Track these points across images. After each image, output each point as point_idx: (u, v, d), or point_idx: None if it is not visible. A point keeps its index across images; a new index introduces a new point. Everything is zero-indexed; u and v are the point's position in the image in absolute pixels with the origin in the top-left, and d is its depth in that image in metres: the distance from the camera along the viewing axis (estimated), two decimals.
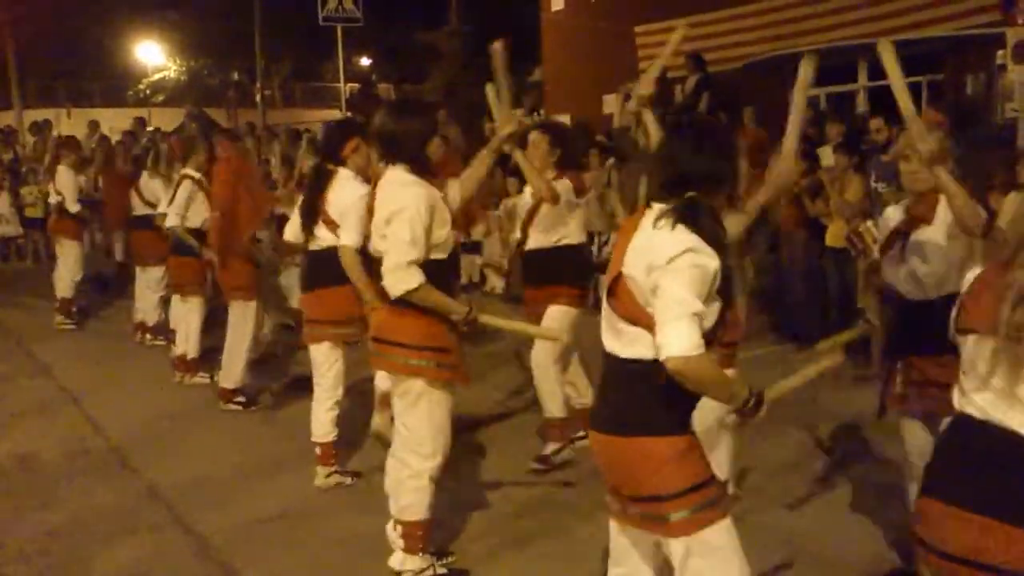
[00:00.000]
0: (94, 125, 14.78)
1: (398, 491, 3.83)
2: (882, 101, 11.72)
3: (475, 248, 10.54)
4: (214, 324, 7.32)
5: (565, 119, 16.03)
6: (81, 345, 8.85)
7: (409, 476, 3.77)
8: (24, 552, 4.37)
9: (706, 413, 4.52)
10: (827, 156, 8.19)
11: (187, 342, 7.23)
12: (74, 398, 6.98)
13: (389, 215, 3.63)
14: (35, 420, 6.51)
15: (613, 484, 2.71)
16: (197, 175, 6.94)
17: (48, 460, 5.67)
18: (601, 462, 2.75)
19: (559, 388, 5.16)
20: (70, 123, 26.80)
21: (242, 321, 6.50)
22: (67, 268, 9.48)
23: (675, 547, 2.59)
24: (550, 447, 5.20)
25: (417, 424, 3.75)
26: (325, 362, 5.02)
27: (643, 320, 2.55)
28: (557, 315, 5.11)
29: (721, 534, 2.57)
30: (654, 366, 2.49)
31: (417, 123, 3.83)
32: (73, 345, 8.84)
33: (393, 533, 3.86)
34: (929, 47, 12.06)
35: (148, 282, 8.52)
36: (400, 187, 3.68)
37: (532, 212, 5.26)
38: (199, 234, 6.90)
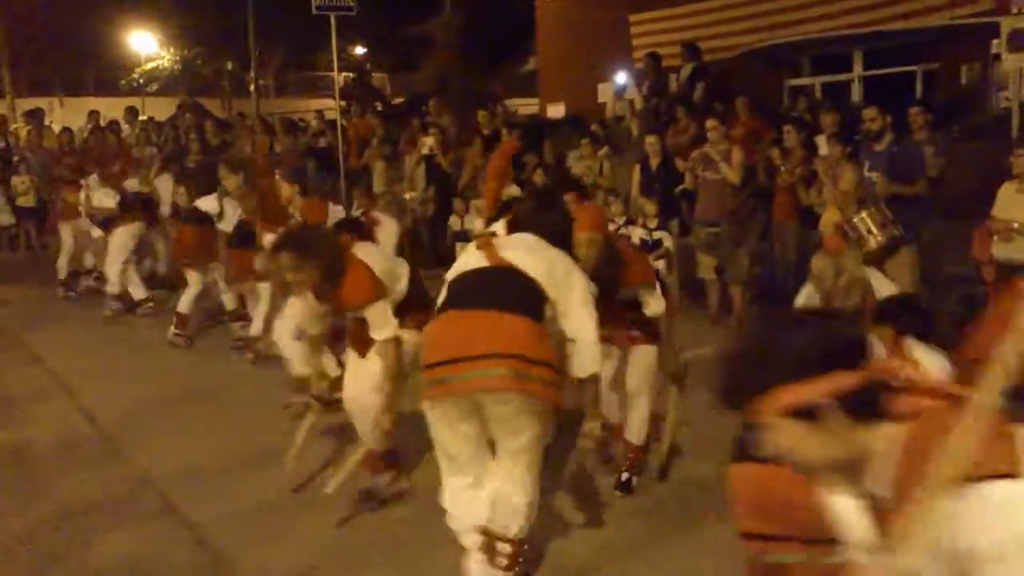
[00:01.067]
0: (94, 115, 14.67)
1: (510, 515, 3.58)
2: (876, 90, 11.78)
3: None
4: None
5: (559, 108, 16.02)
6: (73, 334, 8.82)
7: (528, 504, 3.60)
8: (18, 541, 4.37)
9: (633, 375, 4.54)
10: (823, 145, 8.19)
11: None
12: (66, 388, 6.96)
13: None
14: (27, 409, 6.50)
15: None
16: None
17: (41, 450, 5.66)
18: None
19: None
20: (63, 112, 26.73)
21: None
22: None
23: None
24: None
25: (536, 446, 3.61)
26: None
27: None
28: None
29: None
30: None
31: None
32: (65, 334, 8.81)
33: (485, 552, 3.63)
34: (924, 37, 12.08)
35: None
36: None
37: None
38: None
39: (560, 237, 3.80)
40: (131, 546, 4.26)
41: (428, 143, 11.97)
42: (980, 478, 1.53)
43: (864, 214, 6.43)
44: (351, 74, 26.65)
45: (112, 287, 9.30)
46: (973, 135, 9.28)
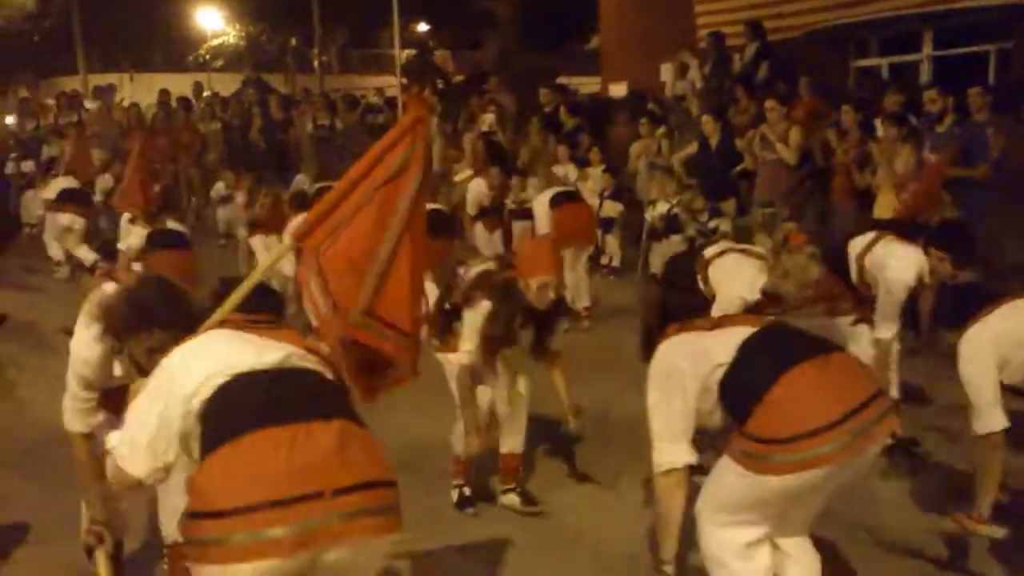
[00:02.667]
0: (164, 93, 15.01)
1: None
2: (947, 71, 11.49)
3: None
4: None
5: (622, 87, 15.93)
6: None
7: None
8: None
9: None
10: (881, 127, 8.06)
11: None
12: None
13: None
14: None
15: None
16: None
17: None
18: None
19: None
20: (132, 87, 27.34)
21: None
22: None
23: None
24: None
25: None
26: None
27: None
28: None
29: None
30: None
31: None
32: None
33: None
34: (998, 15, 11.72)
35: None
36: None
37: None
38: None
39: None
40: None
41: (488, 120, 12.02)
42: None
43: None
44: (413, 51, 26.78)
45: None
46: None
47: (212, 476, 2.25)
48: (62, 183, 10.55)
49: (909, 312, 4.84)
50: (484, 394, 4.47)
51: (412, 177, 2.55)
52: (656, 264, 8.92)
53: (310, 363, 2.51)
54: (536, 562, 4.11)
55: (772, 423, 2.90)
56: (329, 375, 2.53)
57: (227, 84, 22.60)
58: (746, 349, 3.05)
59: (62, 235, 10.38)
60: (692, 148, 9.75)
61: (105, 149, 13.13)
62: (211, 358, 2.43)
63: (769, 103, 8.52)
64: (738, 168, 9.09)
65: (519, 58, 18.21)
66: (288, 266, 5.88)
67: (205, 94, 16.79)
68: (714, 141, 9.23)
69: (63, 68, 28.34)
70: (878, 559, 4.02)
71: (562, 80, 16.67)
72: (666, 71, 15.02)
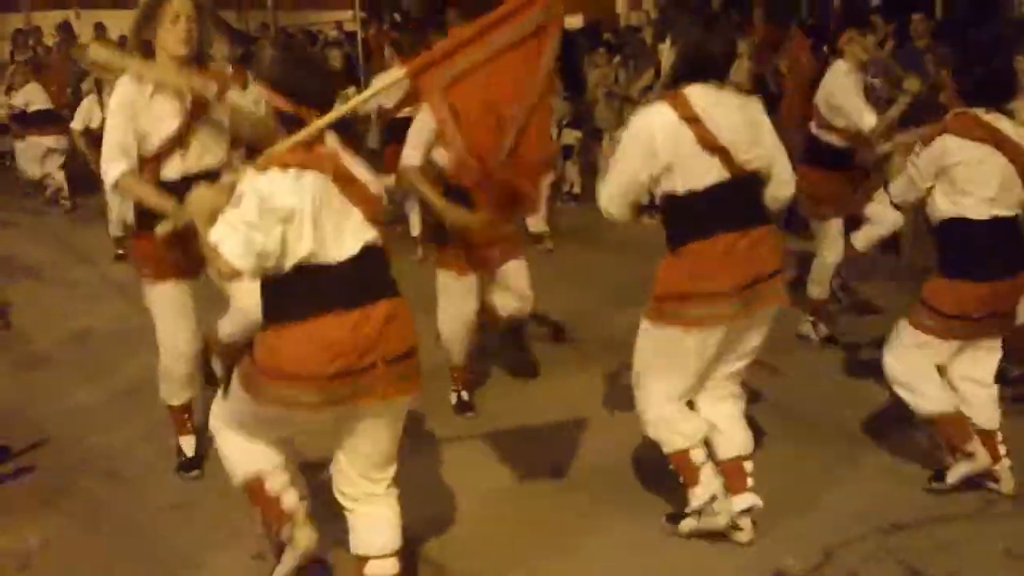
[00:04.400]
0: (100, 28, 14.84)
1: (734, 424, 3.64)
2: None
3: None
4: None
5: (577, 19, 16.04)
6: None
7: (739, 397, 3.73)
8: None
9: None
10: None
11: None
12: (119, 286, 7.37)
13: None
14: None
15: None
16: None
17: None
18: None
19: None
20: (78, 25, 26.66)
21: None
22: None
23: None
24: None
25: None
26: None
27: None
28: None
29: None
30: None
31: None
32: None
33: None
34: None
35: None
36: None
37: None
38: None
39: None
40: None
41: None
42: None
43: None
44: None
45: None
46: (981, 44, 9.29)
47: (287, 343, 2.78)
48: (34, 99, 10.79)
49: None
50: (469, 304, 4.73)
51: (551, 37, 2.84)
52: None
53: (373, 237, 2.85)
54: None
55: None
56: (380, 244, 2.89)
57: None
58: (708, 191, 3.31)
59: (46, 157, 10.71)
60: (649, 77, 9.98)
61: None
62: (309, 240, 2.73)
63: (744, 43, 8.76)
64: None
65: None
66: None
67: None
68: None
69: (5, 5, 27.55)
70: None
71: None
72: (621, 2, 15.19)
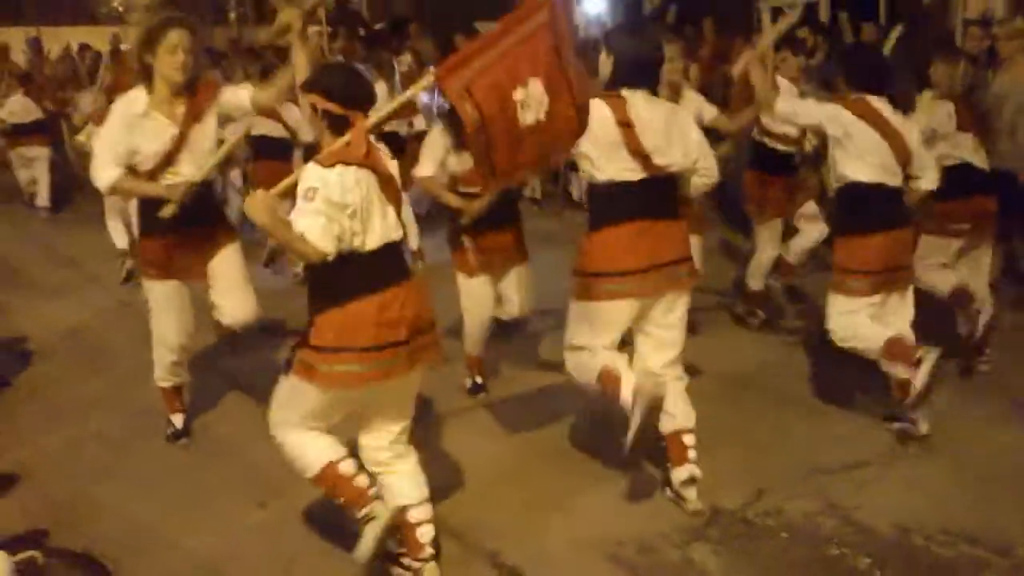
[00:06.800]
0: (84, 48, 15.04)
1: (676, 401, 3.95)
2: (848, 6, 12.12)
3: None
4: None
5: None
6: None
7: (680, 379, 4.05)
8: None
9: None
10: None
11: None
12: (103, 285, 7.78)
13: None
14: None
15: None
16: None
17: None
18: None
19: None
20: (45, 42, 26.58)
21: None
22: None
23: None
24: None
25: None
26: None
27: None
28: None
29: None
30: None
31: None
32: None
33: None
34: None
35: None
36: None
37: None
38: None
39: None
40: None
41: (406, 62, 12.46)
42: None
43: None
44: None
45: None
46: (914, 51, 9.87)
47: (330, 323, 3.21)
48: (20, 110, 11.13)
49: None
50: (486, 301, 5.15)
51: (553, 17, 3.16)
52: (577, 193, 9.78)
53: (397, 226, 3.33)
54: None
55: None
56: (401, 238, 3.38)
57: None
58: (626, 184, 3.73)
59: (32, 164, 11.22)
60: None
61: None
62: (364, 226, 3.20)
63: (667, 43, 9.26)
64: None
65: (434, 3, 18.46)
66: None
67: (123, 47, 16.73)
68: None
69: None
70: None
71: (481, 24, 16.99)
72: (579, 16, 15.62)
